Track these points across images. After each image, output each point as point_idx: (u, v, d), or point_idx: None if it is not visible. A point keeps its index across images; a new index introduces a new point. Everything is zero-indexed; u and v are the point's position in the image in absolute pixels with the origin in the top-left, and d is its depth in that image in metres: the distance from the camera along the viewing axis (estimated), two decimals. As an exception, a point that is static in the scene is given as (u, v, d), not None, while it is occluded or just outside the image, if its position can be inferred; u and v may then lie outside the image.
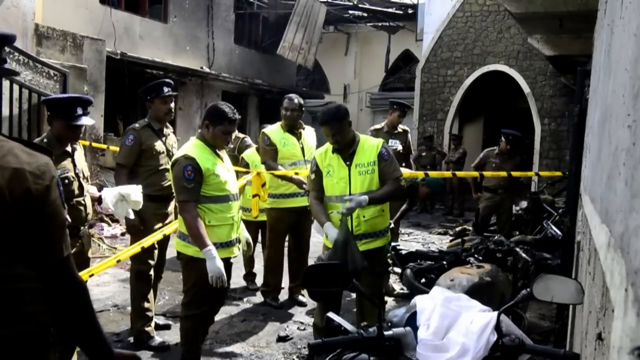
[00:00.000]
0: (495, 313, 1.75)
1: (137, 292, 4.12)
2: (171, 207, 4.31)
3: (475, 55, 13.18)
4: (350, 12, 16.01)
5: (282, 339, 4.38)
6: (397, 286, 5.76)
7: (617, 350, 0.97)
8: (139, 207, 3.66)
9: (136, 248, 3.84)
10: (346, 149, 3.50)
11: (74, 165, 3.29)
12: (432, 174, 6.03)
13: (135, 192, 3.58)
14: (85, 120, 3.21)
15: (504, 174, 6.40)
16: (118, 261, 3.92)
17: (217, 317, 4.78)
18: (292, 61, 14.90)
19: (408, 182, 4.97)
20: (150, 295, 4.17)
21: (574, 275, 3.11)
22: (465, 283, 3.34)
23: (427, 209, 12.17)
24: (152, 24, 12.17)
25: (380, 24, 16.62)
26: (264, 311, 4.94)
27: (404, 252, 5.53)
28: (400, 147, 5.83)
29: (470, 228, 7.94)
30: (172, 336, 4.32)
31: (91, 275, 3.49)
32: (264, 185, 4.92)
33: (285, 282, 5.32)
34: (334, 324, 1.86)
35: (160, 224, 4.11)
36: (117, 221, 8.04)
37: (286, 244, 5.29)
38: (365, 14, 16.04)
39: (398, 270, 5.86)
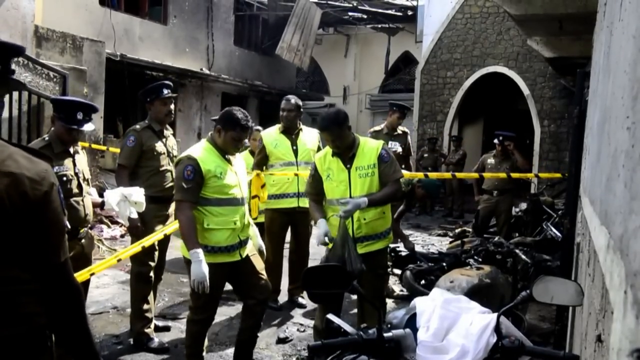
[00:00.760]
0: (495, 315, 1.75)
1: (137, 294, 4.12)
2: (172, 209, 4.31)
3: (475, 57, 13.19)
4: (350, 13, 16.02)
5: (281, 341, 4.38)
6: (396, 288, 5.75)
7: (616, 352, 0.97)
8: (142, 209, 3.66)
9: (137, 247, 3.84)
10: (346, 152, 3.50)
11: (74, 165, 3.31)
12: (432, 175, 6.04)
13: (137, 194, 3.60)
14: (84, 126, 3.23)
15: (503, 175, 6.43)
16: (119, 260, 3.92)
17: (216, 319, 4.78)
18: (291, 62, 14.91)
19: (405, 184, 4.98)
20: (150, 297, 4.17)
21: (573, 277, 3.11)
22: (464, 285, 3.35)
23: (427, 211, 12.17)
24: (151, 26, 12.18)
25: (380, 26, 16.64)
26: (263, 313, 4.94)
27: (403, 253, 5.54)
28: (399, 149, 5.83)
29: (470, 230, 7.95)
30: (172, 337, 4.32)
31: (92, 274, 3.49)
32: (263, 186, 4.93)
33: (285, 283, 5.32)
34: (334, 326, 1.86)
35: (161, 226, 4.11)
36: (117, 223, 8.05)
37: (287, 245, 5.29)
38: (365, 16, 16.05)
39: (398, 271, 5.87)
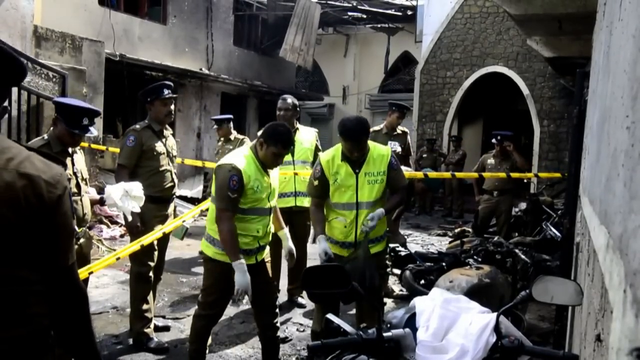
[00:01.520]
0: (495, 314, 1.75)
1: (137, 294, 4.12)
2: (171, 209, 4.31)
3: (475, 56, 13.20)
4: (350, 13, 16.01)
5: (281, 341, 4.36)
6: (396, 287, 5.76)
7: (615, 352, 0.97)
8: (142, 203, 3.67)
9: (136, 246, 3.84)
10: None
11: (72, 165, 3.31)
12: (432, 174, 6.04)
13: (136, 188, 3.61)
14: (88, 132, 3.25)
15: (502, 175, 6.44)
16: (118, 259, 3.91)
17: (216, 319, 4.79)
18: (291, 63, 14.91)
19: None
20: (150, 297, 4.17)
21: (573, 277, 3.11)
22: (464, 284, 3.35)
23: (427, 211, 12.18)
24: (151, 26, 12.17)
25: (379, 26, 16.63)
26: (263, 313, 4.94)
27: (403, 253, 5.54)
28: (399, 149, 5.82)
29: (470, 230, 7.95)
30: (172, 337, 4.32)
31: (90, 273, 3.50)
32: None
33: (284, 283, 5.32)
34: (334, 326, 1.86)
35: (160, 226, 4.12)
36: (116, 223, 8.05)
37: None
38: (364, 16, 16.04)
39: (397, 271, 5.87)
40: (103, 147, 7.75)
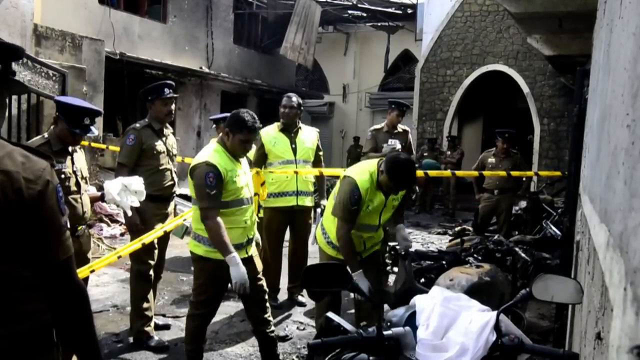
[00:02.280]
0: (495, 313, 1.75)
1: (137, 292, 4.12)
2: (171, 207, 4.31)
3: (475, 55, 13.19)
4: (350, 12, 16.00)
5: (281, 339, 4.37)
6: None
7: (616, 349, 0.97)
8: (143, 197, 3.65)
9: (137, 244, 3.84)
10: None
11: (72, 163, 3.31)
12: (432, 173, 6.02)
13: (137, 183, 3.59)
14: (89, 131, 3.25)
15: (502, 173, 6.43)
16: (119, 257, 3.91)
17: (216, 318, 4.78)
18: (291, 61, 14.90)
19: None
20: (150, 296, 4.17)
21: (573, 275, 3.11)
22: (464, 283, 3.34)
23: (427, 209, 12.18)
24: (151, 24, 12.16)
25: (379, 24, 16.62)
26: (263, 311, 4.94)
27: (402, 252, 5.53)
28: (399, 146, 5.81)
29: (470, 228, 7.95)
30: (172, 336, 4.32)
31: (92, 271, 3.49)
32: (263, 184, 4.93)
33: (285, 282, 5.32)
34: (334, 324, 1.86)
35: (160, 224, 4.12)
36: (116, 221, 8.05)
37: (286, 244, 5.29)
38: (364, 14, 16.03)
39: (397, 269, 5.87)
40: (103, 146, 7.75)
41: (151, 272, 4.15)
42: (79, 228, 3.35)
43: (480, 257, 4.39)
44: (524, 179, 7.40)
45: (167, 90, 4.13)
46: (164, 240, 4.26)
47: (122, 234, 7.66)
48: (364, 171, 3.38)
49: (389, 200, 3.47)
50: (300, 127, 5.04)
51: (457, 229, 8.67)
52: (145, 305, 4.11)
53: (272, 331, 3.55)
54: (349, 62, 18.90)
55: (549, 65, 11.07)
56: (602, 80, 2.09)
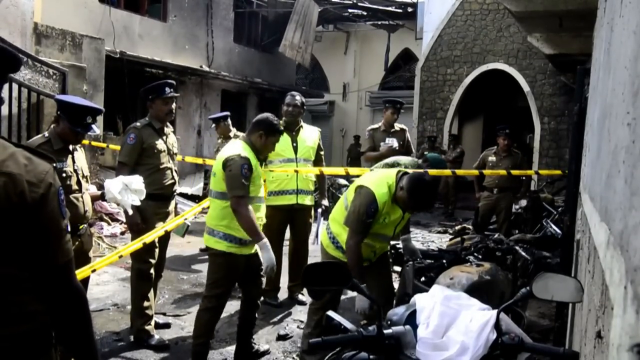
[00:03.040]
0: (495, 311, 1.75)
1: (138, 291, 4.12)
2: (172, 206, 4.31)
3: (475, 53, 13.18)
4: (350, 10, 15.99)
5: (281, 338, 4.38)
6: (396, 285, 5.75)
7: (616, 348, 0.97)
8: (143, 196, 3.66)
9: (138, 244, 3.84)
10: None
11: (73, 162, 3.31)
12: (432, 172, 6.02)
13: (137, 182, 3.60)
14: (91, 130, 3.26)
15: (502, 172, 6.43)
16: (120, 257, 3.91)
17: (216, 316, 4.80)
18: (291, 60, 14.89)
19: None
20: (151, 294, 4.17)
21: (573, 274, 3.11)
22: (464, 281, 3.34)
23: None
24: (151, 23, 12.15)
25: (379, 23, 16.61)
26: (263, 310, 4.94)
27: (407, 266, 5.54)
28: (396, 145, 5.84)
29: (470, 227, 7.95)
30: (172, 335, 4.32)
31: (93, 271, 3.50)
32: (263, 182, 4.94)
33: (285, 281, 5.32)
34: (334, 323, 1.86)
35: (161, 223, 4.12)
36: (117, 220, 8.05)
37: (286, 242, 5.29)
38: (364, 13, 16.02)
39: (398, 268, 5.87)
40: (104, 145, 7.74)
41: (152, 271, 4.15)
42: (80, 227, 3.35)
43: (480, 256, 4.39)
44: (524, 177, 7.40)
45: (167, 90, 4.13)
46: (164, 239, 4.26)
47: (122, 233, 7.66)
48: (381, 183, 3.24)
49: (406, 215, 3.44)
50: (301, 126, 5.05)
51: (457, 227, 8.67)
52: (145, 304, 4.11)
53: (259, 298, 3.88)
54: (349, 60, 18.89)
55: (550, 64, 11.07)
56: (603, 78, 2.09)
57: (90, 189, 3.55)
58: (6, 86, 5.75)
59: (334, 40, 18.59)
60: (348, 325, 1.84)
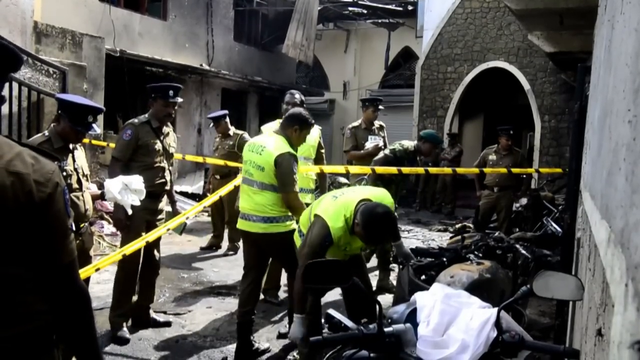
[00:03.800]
0: (495, 309, 1.75)
1: (119, 286, 4.18)
2: (162, 204, 4.30)
3: (475, 52, 13.16)
4: (350, 9, 15.97)
5: (282, 336, 4.38)
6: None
7: (617, 345, 0.97)
8: (143, 196, 3.67)
9: (141, 242, 3.85)
10: None
11: (73, 161, 3.32)
12: (433, 170, 6.04)
13: (136, 181, 3.61)
14: (92, 129, 3.26)
15: (503, 170, 6.43)
16: (123, 255, 3.91)
17: (217, 315, 4.81)
18: (292, 58, 14.87)
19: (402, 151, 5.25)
20: (132, 290, 4.24)
21: (574, 272, 3.11)
22: (465, 280, 3.34)
23: (427, 206, 12.17)
24: (151, 22, 12.15)
25: (380, 21, 16.59)
26: (264, 308, 4.94)
27: (401, 266, 5.54)
28: (381, 143, 5.93)
29: (471, 225, 7.95)
30: (173, 333, 4.33)
31: (97, 270, 3.50)
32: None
33: (285, 279, 5.32)
34: (334, 321, 1.86)
35: (149, 218, 4.12)
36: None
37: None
38: (365, 11, 16.00)
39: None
40: (104, 143, 7.74)
41: (138, 268, 4.17)
42: (82, 225, 3.35)
43: (480, 254, 4.39)
44: (524, 176, 7.40)
45: (170, 93, 4.13)
46: (156, 238, 4.23)
47: (123, 232, 7.66)
48: (338, 216, 3.07)
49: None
50: None
51: (457, 226, 8.67)
52: (124, 297, 4.16)
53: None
54: (350, 59, 18.87)
55: (550, 62, 11.05)
56: (603, 76, 2.08)
57: (91, 188, 3.56)
58: (6, 85, 5.74)
59: (334, 39, 18.56)
60: (349, 323, 1.84)
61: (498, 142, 7.08)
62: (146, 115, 4.18)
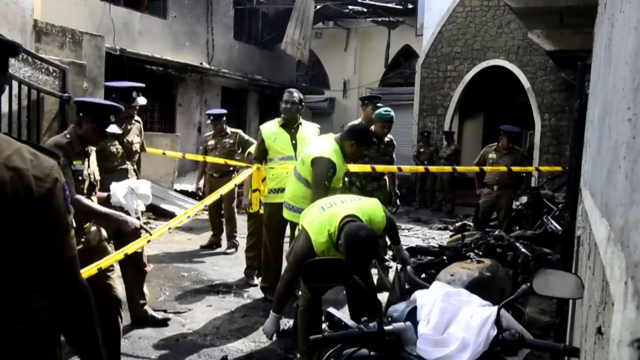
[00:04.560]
0: (495, 308, 1.76)
1: None
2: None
3: (475, 50, 13.16)
4: (350, 7, 15.97)
5: (283, 334, 4.38)
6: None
7: (616, 344, 0.97)
8: (149, 202, 3.64)
9: (142, 242, 3.84)
10: None
11: (88, 166, 3.31)
12: (432, 169, 6.04)
13: (143, 186, 3.58)
14: (113, 128, 3.26)
15: (503, 169, 6.43)
16: (126, 255, 3.90)
17: (217, 314, 4.81)
18: (291, 57, 14.87)
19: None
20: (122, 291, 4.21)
21: (573, 270, 3.11)
22: (465, 278, 3.34)
23: (427, 205, 12.18)
24: (151, 20, 12.14)
25: (380, 19, 16.59)
26: (264, 307, 4.94)
27: (399, 269, 5.54)
28: None
29: (471, 223, 7.95)
30: (173, 332, 4.33)
31: (99, 269, 3.50)
32: (264, 180, 4.94)
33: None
34: (335, 320, 1.86)
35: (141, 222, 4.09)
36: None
37: (287, 239, 5.29)
38: (365, 9, 16.00)
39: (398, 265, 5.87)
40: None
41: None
42: (85, 225, 3.34)
43: (481, 253, 4.39)
44: (524, 174, 7.39)
45: (134, 95, 4.10)
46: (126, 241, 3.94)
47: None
48: (322, 230, 3.04)
49: None
50: (300, 123, 5.04)
51: (457, 224, 8.68)
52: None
53: None
54: (350, 57, 18.86)
55: (550, 61, 11.04)
56: (603, 74, 2.08)
57: (97, 192, 3.54)
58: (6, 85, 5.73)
59: (334, 37, 18.56)
60: (349, 321, 1.84)
61: (498, 140, 7.08)
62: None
